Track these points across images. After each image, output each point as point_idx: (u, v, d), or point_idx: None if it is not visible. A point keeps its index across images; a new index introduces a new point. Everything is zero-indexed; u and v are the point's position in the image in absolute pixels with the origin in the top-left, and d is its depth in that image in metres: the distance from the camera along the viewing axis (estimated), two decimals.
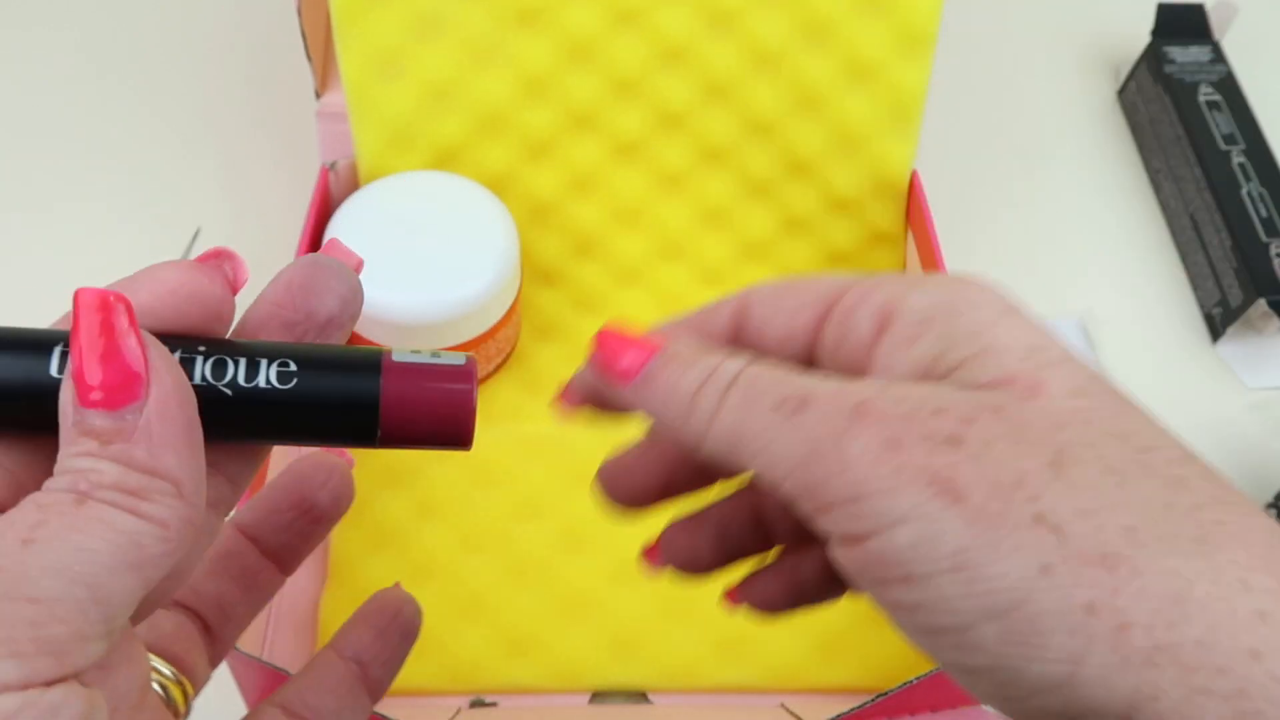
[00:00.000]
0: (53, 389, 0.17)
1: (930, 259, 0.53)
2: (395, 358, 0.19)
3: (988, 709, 0.44)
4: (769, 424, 0.19)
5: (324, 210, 0.54)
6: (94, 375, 0.16)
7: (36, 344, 0.17)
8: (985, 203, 0.64)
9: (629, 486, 0.26)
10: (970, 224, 0.63)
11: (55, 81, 0.68)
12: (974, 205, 0.64)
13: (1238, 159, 0.61)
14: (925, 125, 0.55)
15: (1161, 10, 0.68)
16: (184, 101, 0.67)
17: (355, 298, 0.20)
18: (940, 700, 0.43)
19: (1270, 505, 0.51)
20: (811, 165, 0.56)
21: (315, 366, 0.19)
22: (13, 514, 0.16)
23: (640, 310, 0.57)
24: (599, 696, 0.47)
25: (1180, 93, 0.64)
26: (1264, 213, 0.59)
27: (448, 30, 0.53)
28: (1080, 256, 0.63)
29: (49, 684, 0.15)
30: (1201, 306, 0.60)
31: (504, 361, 0.55)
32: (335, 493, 0.24)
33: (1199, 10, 0.68)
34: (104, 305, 0.16)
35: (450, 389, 0.20)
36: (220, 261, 0.19)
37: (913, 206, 0.56)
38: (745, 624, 0.48)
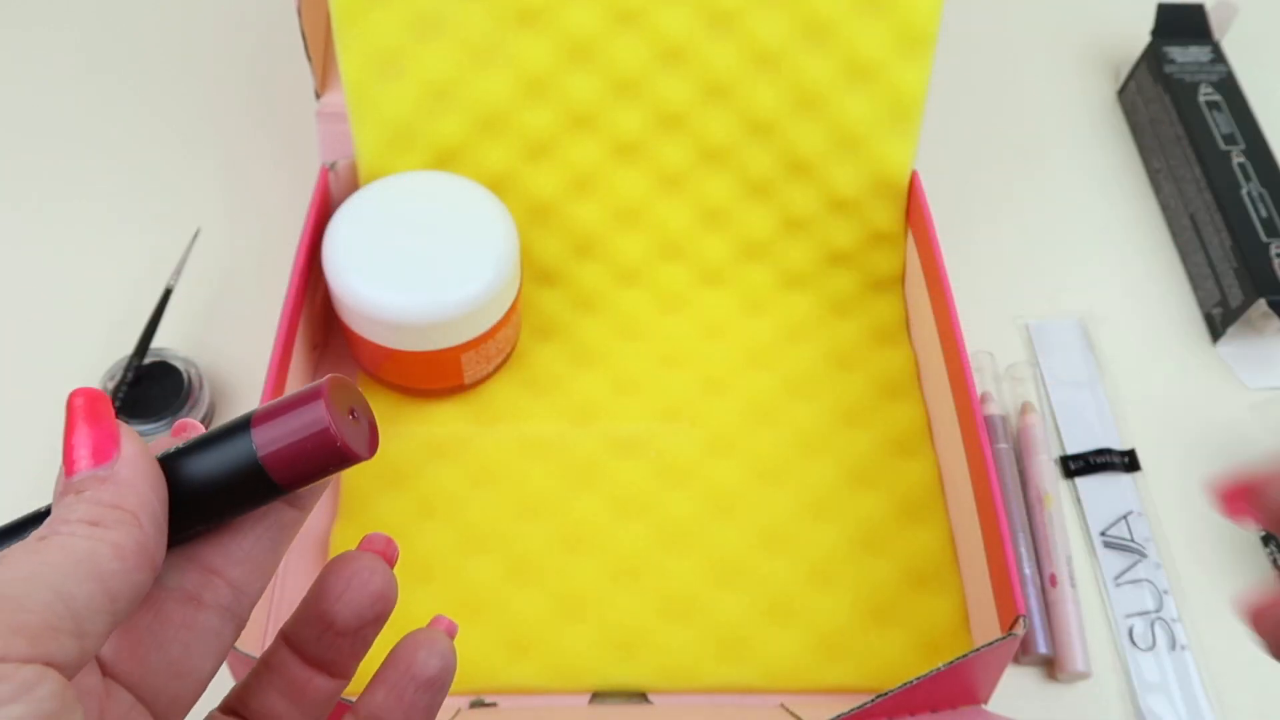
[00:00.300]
0: None
1: (930, 259, 0.53)
2: (260, 410, 0.21)
3: (987, 708, 0.44)
4: None
5: (324, 210, 0.54)
6: (82, 442, 0.20)
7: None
8: (985, 203, 0.64)
9: None
10: (970, 224, 0.63)
11: (55, 81, 0.68)
12: (974, 205, 0.64)
13: (1238, 159, 0.61)
14: (925, 125, 0.55)
15: (1161, 10, 0.68)
16: (184, 101, 0.67)
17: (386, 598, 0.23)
18: (940, 701, 0.43)
19: None
20: (811, 165, 0.56)
21: (204, 439, 0.21)
22: None
23: (640, 310, 0.57)
24: (599, 697, 0.47)
25: (1180, 93, 0.64)
26: (1264, 213, 0.59)
27: (448, 30, 0.53)
28: (1080, 256, 0.63)
29: (24, 661, 0.16)
30: (1201, 306, 0.60)
31: (504, 361, 0.55)
32: (356, 606, 0.23)
33: (1199, 10, 0.68)
34: (93, 393, 0.21)
35: (305, 413, 0.20)
36: (188, 434, 0.22)
37: (913, 206, 0.56)
38: (745, 624, 0.48)
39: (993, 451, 0.51)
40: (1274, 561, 0.51)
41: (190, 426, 0.23)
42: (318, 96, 0.56)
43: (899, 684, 0.39)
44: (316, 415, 0.20)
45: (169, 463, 0.21)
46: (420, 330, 0.49)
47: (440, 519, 0.51)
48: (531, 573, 0.49)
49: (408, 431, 0.53)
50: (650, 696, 0.48)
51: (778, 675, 0.47)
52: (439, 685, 0.23)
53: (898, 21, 0.53)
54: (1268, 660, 0.49)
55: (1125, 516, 0.52)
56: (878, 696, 0.39)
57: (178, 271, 0.56)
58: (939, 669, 0.39)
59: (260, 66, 0.69)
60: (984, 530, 0.46)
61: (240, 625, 0.22)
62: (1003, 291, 0.61)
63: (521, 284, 0.54)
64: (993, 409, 0.55)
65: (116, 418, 0.21)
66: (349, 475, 0.52)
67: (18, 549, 0.18)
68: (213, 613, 0.21)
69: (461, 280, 0.49)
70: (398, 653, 0.23)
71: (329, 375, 0.21)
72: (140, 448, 0.20)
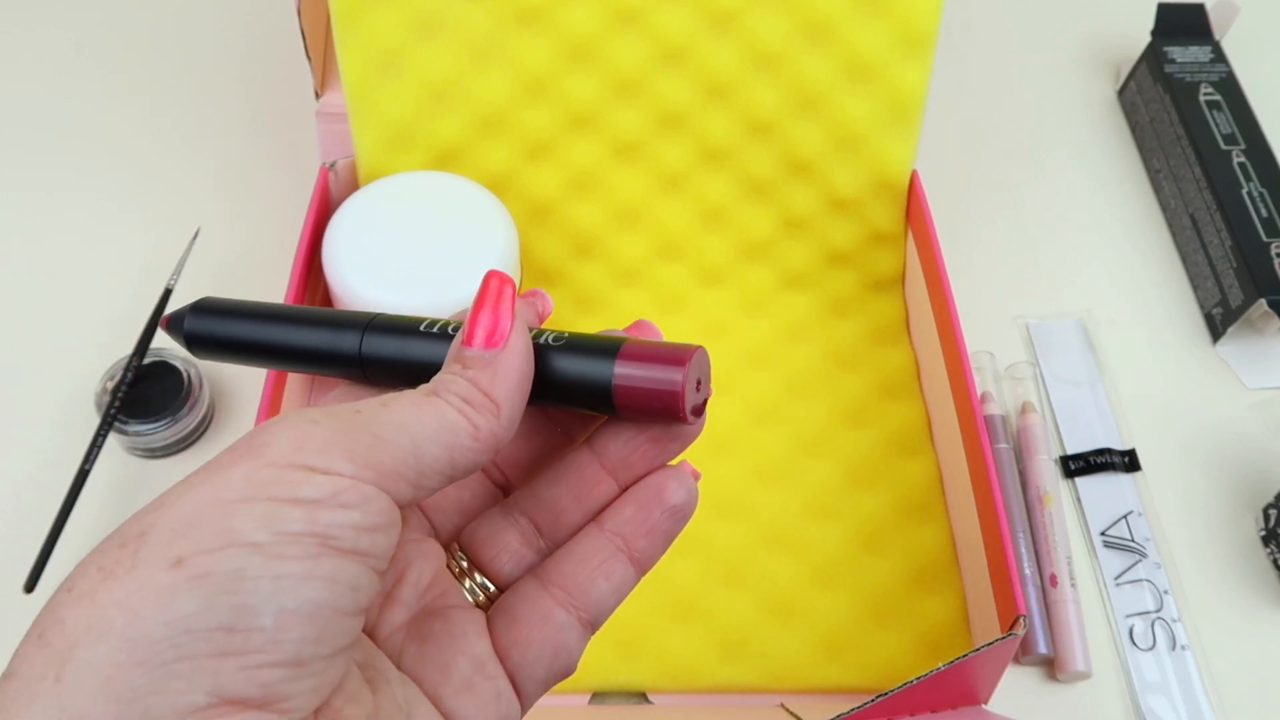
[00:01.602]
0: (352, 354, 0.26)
1: (930, 259, 0.53)
2: (630, 344, 0.24)
3: (987, 709, 0.44)
4: None
5: (324, 210, 0.54)
6: (483, 322, 0.23)
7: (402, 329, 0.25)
8: (985, 203, 0.65)
9: None
10: (970, 224, 0.63)
11: (56, 81, 0.68)
12: (974, 205, 0.64)
13: (1238, 159, 0.61)
14: (925, 125, 0.55)
15: (1161, 10, 0.68)
16: (184, 101, 0.67)
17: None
18: (940, 701, 0.43)
19: (1270, 505, 0.51)
20: (811, 165, 0.56)
21: (573, 348, 0.24)
22: (383, 398, 0.22)
23: (640, 311, 0.57)
24: (599, 697, 0.47)
25: (1180, 92, 0.64)
26: (1264, 213, 0.59)
27: (448, 30, 0.53)
28: (1080, 256, 0.63)
29: (368, 484, 0.20)
30: (1202, 306, 0.60)
31: None
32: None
33: (1199, 10, 0.68)
34: (503, 279, 0.24)
35: (666, 370, 0.23)
36: (535, 300, 0.26)
37: (913, 206, 0.56)
38: (745, 624, 0.48)
39: (993, 451, 0.50)
40: (1274, 562, 0.51)
41: (538, 294, 0.26)
42: (318, 96, 0.56)
43: (899, 684, 0.39)
44: (673, 377, 0.23)
45: (548, 334, 0.24)
46: None
47: None
48: None
49: None
50: (650, 696, 0.47)
51: (778, 675, 0.47)
52: (682, 515, 0.25)
53: (898, 21, 0.53)
54: (1268, 660, 0.49)
55: (1125, 516, 0.52)
56: (878, 696, 0.39)
57: (178, 271, 0.56)
58: (939, 669, 0.39)
59: (260, 66, 0.69)
60: (984, 530, 0.46)
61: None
62: (1003, 291, 0.61)
63: (521, 284, 0.54)
64: (993, 409, 0.55)
65: (514, 309, 0.24)
66: None
67: (406, 398, 0.22)
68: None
69: (461, 280, 0.49)
70: (649, 480, 0.25)
71: (699, 347, 0.24)
72: (524, 347, 0.23)
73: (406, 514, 0.25)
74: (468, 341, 0.23)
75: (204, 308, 0.27)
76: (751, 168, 0.57)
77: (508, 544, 0.26)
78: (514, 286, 0.24)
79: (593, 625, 0.26)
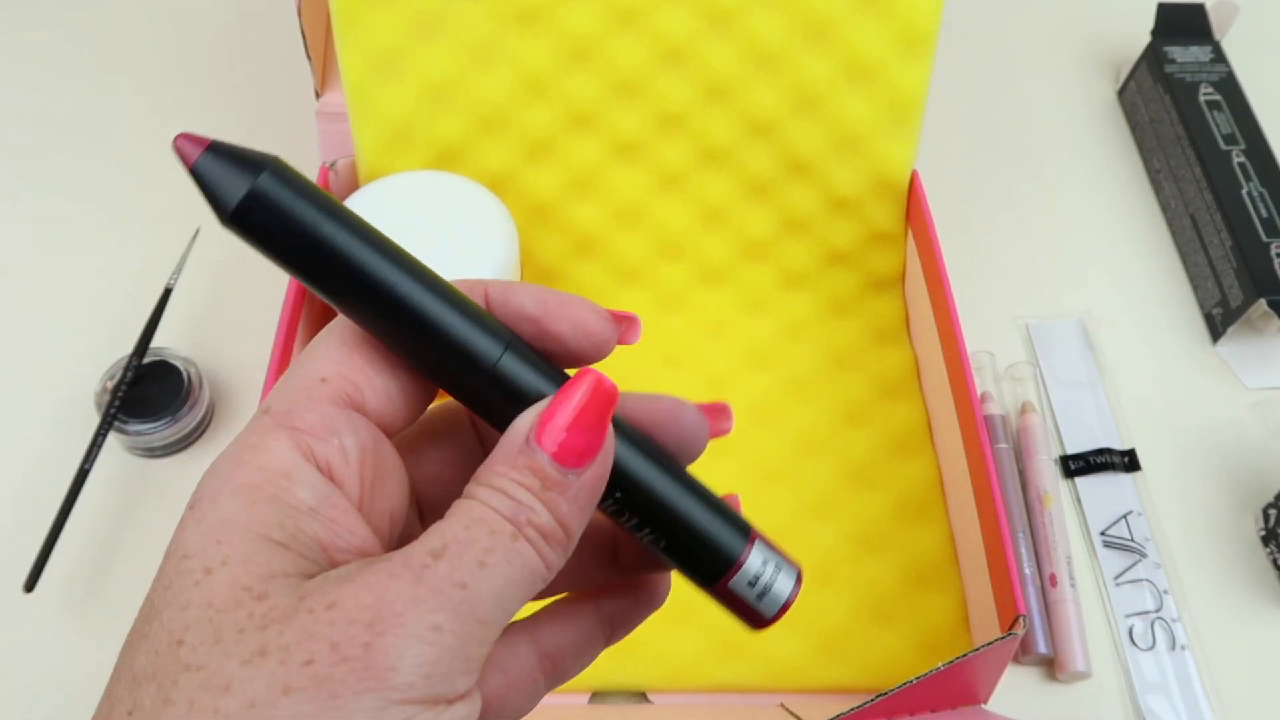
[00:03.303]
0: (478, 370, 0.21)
1: (930, 259, 0.53)
2: (756, 539, 0.25)
3: (987, 708, 0.44)
4: None
5: None
6: (561, 428, 0.20)
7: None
8: (985, 203, 0.65)
9: None
10: (970, 224, 0.63)
11: (56, 81, 0.68)
12: (974, 205, 0.64)
13: (1238, 159, 0.61)
14: (925, 125, 0.55)
15: (1162, 10, 0.68)
16: (184, 101, 0.67)
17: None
18: (940, 700, 0.43)
19: (1270, 505, 0.51)
20: (811, 165, 0.56)
21: (679, 544, 0.24)
22: (470, 536, 0.19)
23: (640, 310, 0.57)
24: (598, 696, 0.47)
25: (1180, 93, 0.64)
26: (1264, 213, 0.59)
27: (448, 30, 0.53)
28: (1080, 256, 0.63)
29: (470, 691, 0.19)
30: (1201, 306, 0.60)
31: None
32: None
33: (1199, 10, 0.68)
34: (605, 392, 0.21)
35: (777, 591, 0.25)
36: (622, 323, 0.23)
37: (913, 206, 0.56)
38: None
39: (993, 451, 0.51)
40: (1274, 561, 0.51)
41: (629, 319, 0.23)
42: (318, 96, 0.56)
43: (899, 684, 0.39)
44: (790, 590, 0.25)
45: (647, 532, 0.23)
46: None
47: None
48: None
49: None
50: (650, 696, 0.48)
51: (778, 675, 0.47)
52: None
53: (898, 21, 0.53)
54: (1268, 660, 0.49)
55: (1125, 516, 0.52)
56: (877, 696, 0.39)
57: (178, 271, 0.56)
58: (939, 669, 0.39)
59: (260, 66, 0.69)
60: (984, 530, 0.46)
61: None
62: (1003, 291, 0.61)
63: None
64: (993, 409, 0.55)
65: (609, 425, 0.21)
66: None
67: (500, 551, 0.19)
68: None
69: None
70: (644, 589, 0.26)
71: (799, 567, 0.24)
72: (603, 471, 0.21)
73: None
74: (540, 433, 0.20)
75: (290, 180, 0.21)
76: (751, 168, 0.57)
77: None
78: (613, 404, 0.21)
79: (552, 688, 0.25)
